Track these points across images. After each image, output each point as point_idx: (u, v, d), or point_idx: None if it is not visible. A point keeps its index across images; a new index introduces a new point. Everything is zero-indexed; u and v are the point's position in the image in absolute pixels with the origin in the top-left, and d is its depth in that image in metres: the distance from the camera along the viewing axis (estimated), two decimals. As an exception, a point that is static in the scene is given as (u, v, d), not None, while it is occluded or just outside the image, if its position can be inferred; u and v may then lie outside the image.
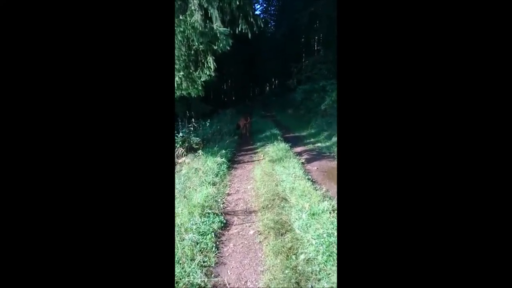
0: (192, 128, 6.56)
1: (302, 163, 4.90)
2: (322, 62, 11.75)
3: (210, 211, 3.00)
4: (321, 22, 13.70)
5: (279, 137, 7.21)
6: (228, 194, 3.83)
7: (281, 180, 4.02)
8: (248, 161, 5.83)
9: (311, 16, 13.98)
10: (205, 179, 4.16)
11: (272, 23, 25.89)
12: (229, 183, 4.37)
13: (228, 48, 5.07)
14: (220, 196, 3.69)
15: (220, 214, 3.05)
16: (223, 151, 6.01)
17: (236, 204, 3.47)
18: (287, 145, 6.41)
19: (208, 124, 7.25)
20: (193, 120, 6.69)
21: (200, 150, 5.71)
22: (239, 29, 5.41)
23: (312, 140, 7.47)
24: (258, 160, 5.80)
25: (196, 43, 5.08)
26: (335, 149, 5.86)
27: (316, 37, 16.33)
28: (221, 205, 3.39)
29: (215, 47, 5.12)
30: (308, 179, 4.00)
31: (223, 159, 5.36)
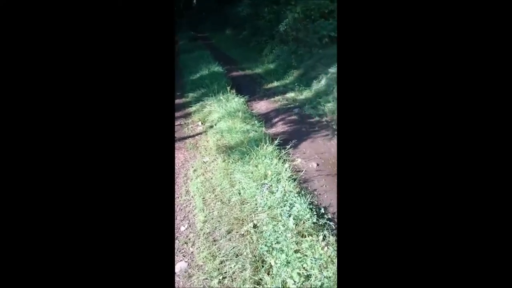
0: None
1: (288, 155, 2.43)
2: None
3: None
4: None
5: (225, 83, 4.39)
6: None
7: (261, 239, 1.56)
8: (174, 140, 3.08)
9: None
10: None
11: None
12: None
13: None
14: None
15: None
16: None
17: None
18: (242, 99, 3.75)
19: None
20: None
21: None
22: None
23: (276, 83, 4.86)
24: (194, 137, 3.10)
25: None
26: (326, 109, 3.48)
27: None
28: None
29: None
30: (328, 220, 1.64)
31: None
